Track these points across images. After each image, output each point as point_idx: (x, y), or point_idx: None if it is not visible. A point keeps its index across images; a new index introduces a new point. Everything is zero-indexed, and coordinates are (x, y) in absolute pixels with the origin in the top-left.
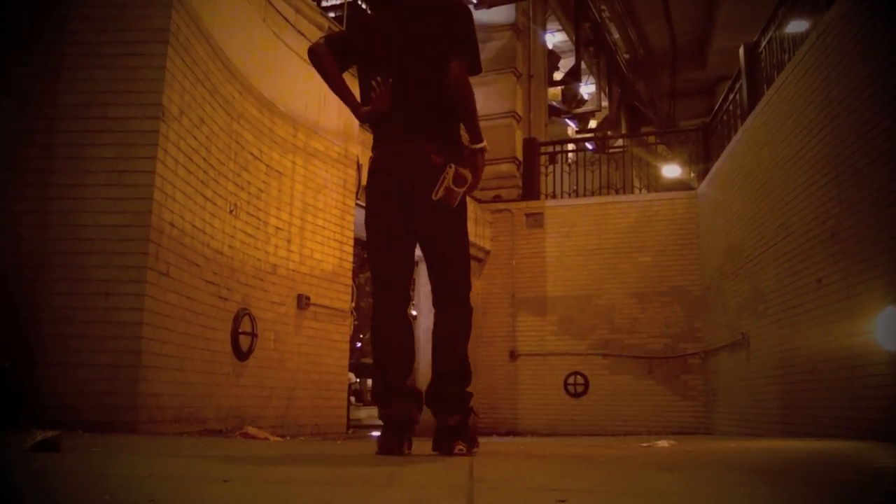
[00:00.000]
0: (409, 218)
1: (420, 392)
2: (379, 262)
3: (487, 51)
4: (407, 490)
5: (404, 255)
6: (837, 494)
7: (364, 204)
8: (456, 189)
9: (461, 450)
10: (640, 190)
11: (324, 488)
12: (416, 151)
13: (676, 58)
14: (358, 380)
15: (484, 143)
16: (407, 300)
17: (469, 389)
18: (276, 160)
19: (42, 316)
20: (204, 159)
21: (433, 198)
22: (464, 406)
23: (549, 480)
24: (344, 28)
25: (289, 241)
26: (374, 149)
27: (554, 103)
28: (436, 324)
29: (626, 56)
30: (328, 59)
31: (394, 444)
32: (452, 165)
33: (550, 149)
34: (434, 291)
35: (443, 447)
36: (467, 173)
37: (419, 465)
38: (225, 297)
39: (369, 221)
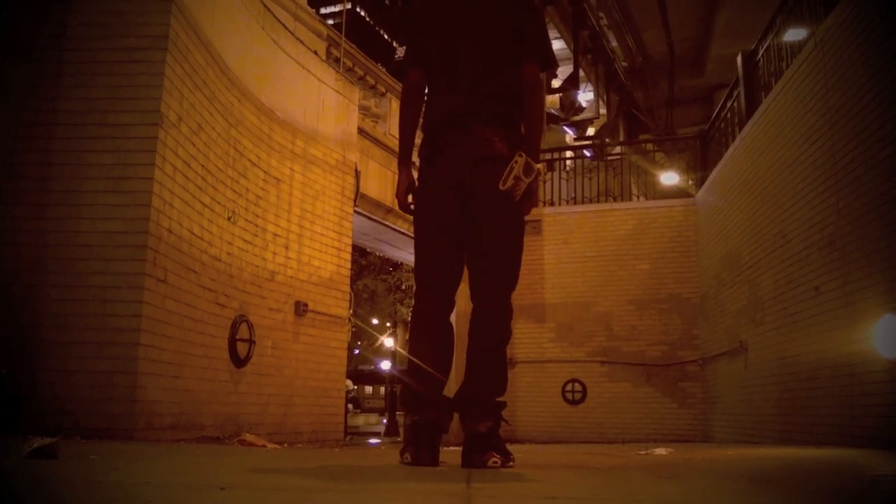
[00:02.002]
0: (465, 213)
1: (450, 401)
2: (426, 260)
3: None
4: (405, 497)
5: (455, 254)
6: (835, 502)
7: (362, 210)
8: (524, 179)
9: (495, 462)
10: (638, 197)
11: (321, 495)
12: (476, 137)
13: (674, 65)
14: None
15: (541, 166)
16: (451, 305)
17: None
18: (274, 167)
19: (40, 322)
20: (202, 166)
21: (500, 187)
22: (496, 412)
23: (546, 488)
24: (343, 33)
25: (287, 248)
26: (425, 139)
27: (552, 111)
28: (473, 321)
29: (625, 63)
30: (417, 100)
31: (426, 453)
32: (522, 153)
33: (548, 156)
34: (476, 286)
35: (473, 459)
36: (535, 164)
37: (418, 472)
38: (223, 303)
39: (419, 216)
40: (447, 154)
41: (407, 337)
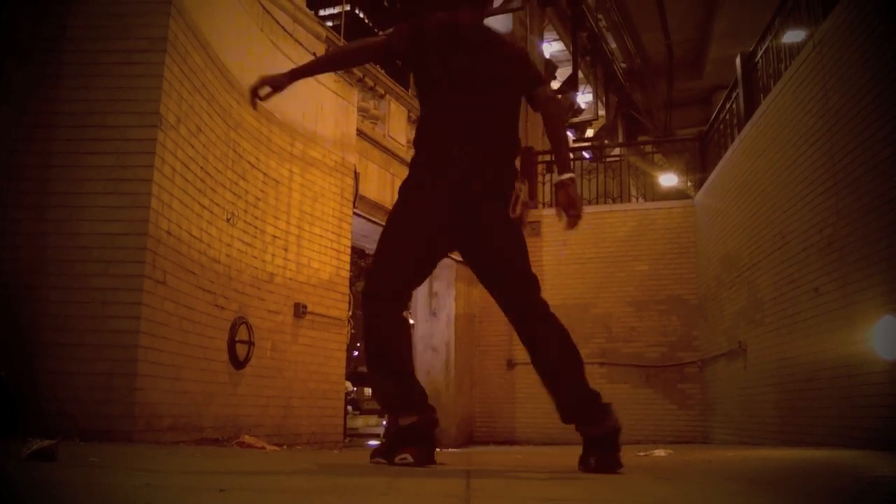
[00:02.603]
0: (455, 228)
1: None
2: (397, 260)
3: None
4: (405, 499)
5: (431, 262)
6: (835, 503)
7: (361, 211)
8: (530, 206)
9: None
10: (638, 199)
11: (321, 497)
12: (486, 162)
13: (673, 67)
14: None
15: (572, 174)
16: (407, 307)
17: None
18: (273, 169)
19: (39, 323)
20: (201, 168)
21: (512, 215)
22: (602, 417)
23: (546, 490)
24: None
25: (286, 250)
26: (423, 155)
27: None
28: (537, 353)
29: (623, 65)
30: (363, 54)
31: (428, 454)
32: (526, 181)
33: (548, 158)
34: (518, 316)
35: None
36: (526, 190)
37: (416, 474)
38: (222, 305)
39: (400, 216)
40: (444, 173)
41: (364, 335)
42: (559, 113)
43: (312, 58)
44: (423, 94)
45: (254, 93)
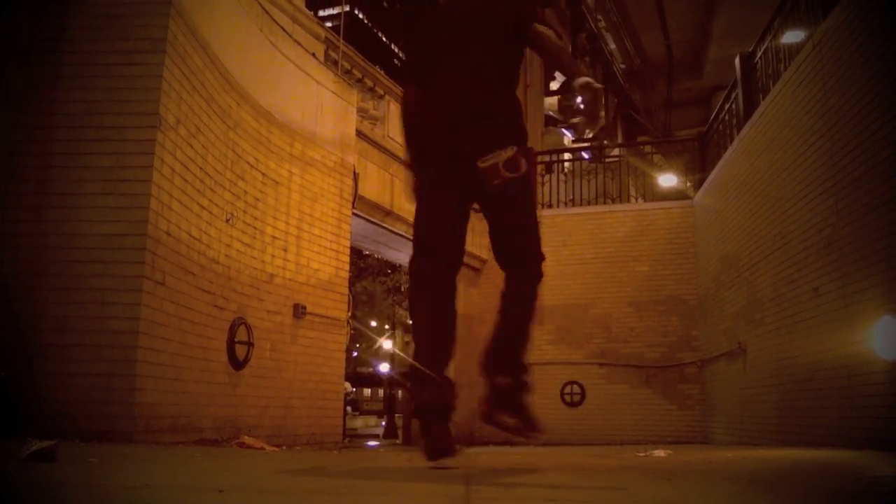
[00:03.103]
0: (466, 179)
1: (454, 383)
2: (427, 220)
3: None
4: (404, 499)
5: (459, 214)
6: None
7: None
8: (505, 174)
9: (509, 424)
10: (637, 199)
11: (320, 498)
12: (484, 125)
13: (673, 68)
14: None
15: (586, 79)
16: (457, 268)
17: (524, 363)
18: (272, 169)
19: (39, 324)
20: (200, 168)
21: (493, 182)
22: (517, 371)
23: (545, 491)
24: (341, 36)
25: (285, 251)
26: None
27: (550, 113)
28: (511, 290)
29: (623, 66)
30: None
31: (445, 444)
32: (514, 148)
33: (547, 158)
34: (512, 259)
35: (486, 415)
36: (523, 163)
37: (416, 474)
38: (221, 306)
39: (423, 196)
40: (444, 126)
41: (409, 315)
42: (550, 46)
43: (312, 58)
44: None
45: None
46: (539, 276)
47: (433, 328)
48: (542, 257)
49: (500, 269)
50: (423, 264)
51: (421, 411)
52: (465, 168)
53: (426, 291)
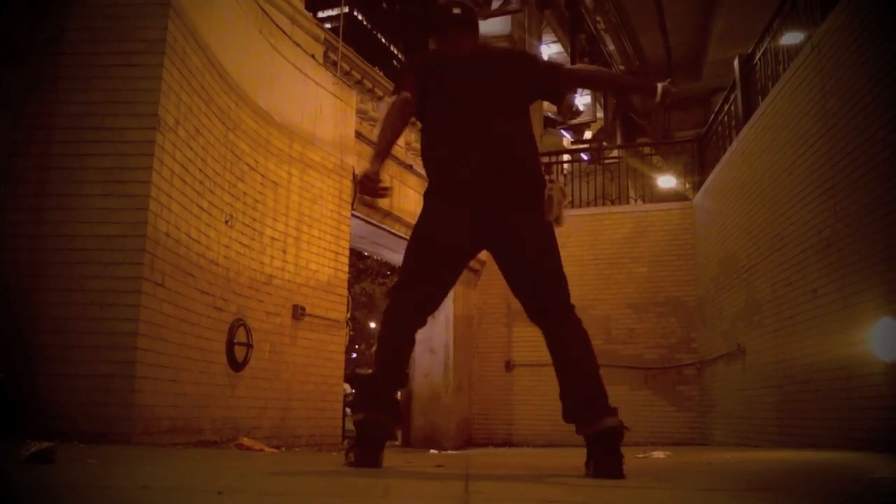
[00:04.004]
0: (481, 231)
1: (398, 403)
2: (423, 272)
3: None
4: (403, 501)
5: (455, 273)
6: None
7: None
8: (564, 204)
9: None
10: (636, 201)
11: (320, 499)
12: (507, 161)
13: (672, 69)
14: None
15: (663, 85)
16: (431, 312)
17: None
18: (272, 171)
19: (38, 326)
20: (200, 170)
21: (548, 218)
22: (613, 413)
23: (544, 491)
24: (340, 37)
25: (284, 252)
26: (434, 169)
27: (549, 114)
28: (561, 339)
29: (622, 67)
30: (404, 116)
31: (370, 456)
32: (553, 180)
33: (546, 160)
34: (539, 309)
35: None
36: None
37: (415, 475)
38: (220, 307)
39: (423, 231)
40: (464, 176)
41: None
42: (592, 72)
43: (311, 60)
44: (429, 115)
45: (372, 191)
46: (577, 318)
47: (393, 360)
48: (572, 305)
49: (533, 322)
50: (403, 303)
51: (362, 426)
52: (487, 224)
53: (396, 331)
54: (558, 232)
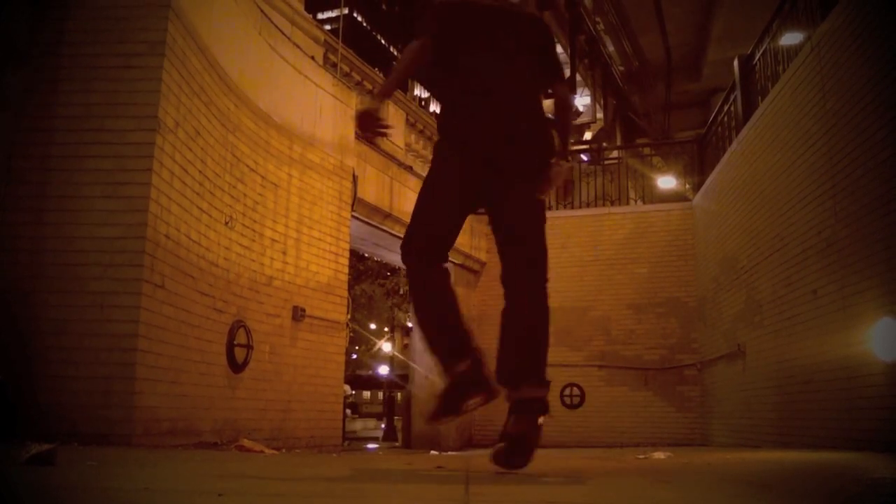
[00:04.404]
0: (480, 190)
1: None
2: (433, 220)
3: None
4: (403, 502)
5: (461, 218)
6: None
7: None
8: (568, 185)
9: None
10: (636, 201)
11: (320, 501)
12: (517, 125)
13: (671, 70)
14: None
15: (571, 166)
16: (446, 258)
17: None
18: (271, 172)
19: (38, 328)
20: (199, 171)
21: (539, 195)
22: (544, 383)
23: (544, 493)
24: (340, 39)
25: (284, 253)
26: (451, 113)
27: (549, 115)
28: (513, 309)
29: (621, 68)
30: (418, 62)
31: (488, 393)
32: (563, 162)
33: None
34: (511, 279)
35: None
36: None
37: (416, 477)
38: (220, 309)
39: (433, 178)
40: (477, 135)
41: (410, 292)
42: (571, 112)
43: (311, 61)
44: (448, 65)
45: (368, 129)
46: (546, 296)
47: (444, 318)
48: (546, 279)
49: (503, 285)
50: (421, 264)
51: (468, 373)
52: (494, 174)
53: (434, 282)
54: (558, 230)
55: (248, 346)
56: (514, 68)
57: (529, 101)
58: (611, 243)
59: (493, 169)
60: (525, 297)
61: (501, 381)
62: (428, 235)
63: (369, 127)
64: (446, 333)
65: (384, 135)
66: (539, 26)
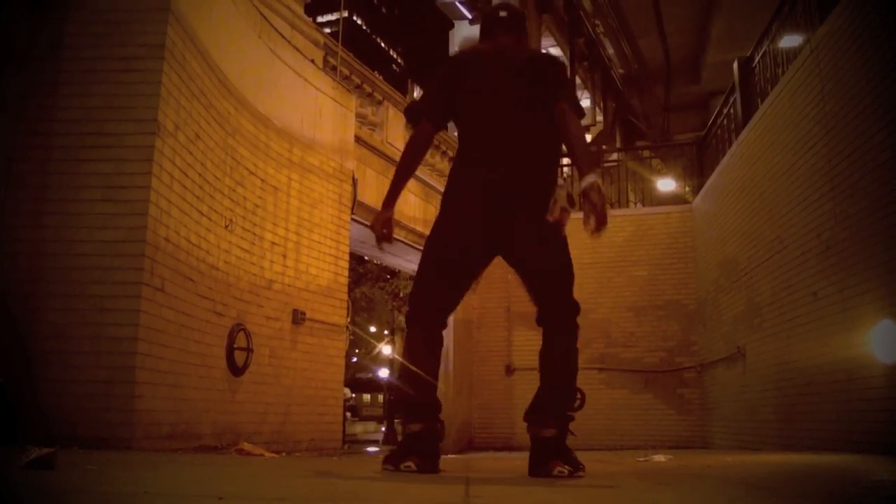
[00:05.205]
0: (492, 237)
1: (440, 405)
2: (435, 285)
3: None
4: None
5: (469, 279)
6: None
7: (360, 218)
8: (570, 210)
9: (561, 472)
10: (636, 204)
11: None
12: (520, 169)
13: (671, 72)
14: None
15: (594, 180)
16: (446, 325)
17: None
18: (271, 175)
19: (38, 331)
20: (199, 175)
21: (549, 218)
22: (562, 422)
23: (543, 495)
24: (340, 42)
25: (284, 257)
26: (457, 170)
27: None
28: (547, 347)
29: (621, 71)
30: (422, 151)
31: (430, 462)
32: (563, 185)
33: None
34: (544, 315)
35: (539, 469)
36: (576, 195)
37: (416, 480)
38: (220, 312)
39: (440, 234)
40: (481, 181)
41: (402, 344)
42: (578, 129)
43: (310, 64)
44: (462, 114)
45: (383, 236)
46: (576, 328)
47: (432, 367)
48: (576, 309)
49: (537, 324)
50: (417, 331)
51: (421, 437)
52: (497, 225)
53: (426, 341)
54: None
55: (248, 350)
56: (521, 112)
57: (539, 141)
58: (610, 246)
59: (501, 217)
60: (554, 342)
61: (524, 418)
62: (439, 309)
63: (386, 238)
64: (419, 391)
65: (391, 241)
66: (546, 59)
